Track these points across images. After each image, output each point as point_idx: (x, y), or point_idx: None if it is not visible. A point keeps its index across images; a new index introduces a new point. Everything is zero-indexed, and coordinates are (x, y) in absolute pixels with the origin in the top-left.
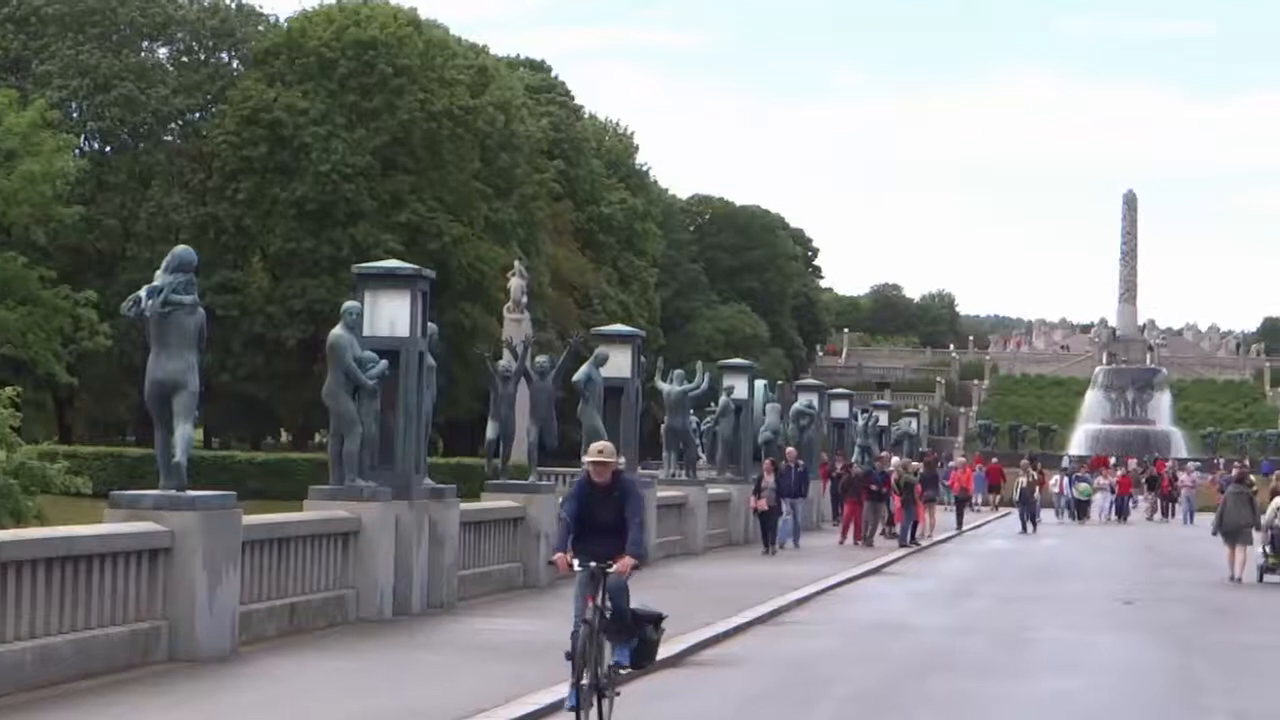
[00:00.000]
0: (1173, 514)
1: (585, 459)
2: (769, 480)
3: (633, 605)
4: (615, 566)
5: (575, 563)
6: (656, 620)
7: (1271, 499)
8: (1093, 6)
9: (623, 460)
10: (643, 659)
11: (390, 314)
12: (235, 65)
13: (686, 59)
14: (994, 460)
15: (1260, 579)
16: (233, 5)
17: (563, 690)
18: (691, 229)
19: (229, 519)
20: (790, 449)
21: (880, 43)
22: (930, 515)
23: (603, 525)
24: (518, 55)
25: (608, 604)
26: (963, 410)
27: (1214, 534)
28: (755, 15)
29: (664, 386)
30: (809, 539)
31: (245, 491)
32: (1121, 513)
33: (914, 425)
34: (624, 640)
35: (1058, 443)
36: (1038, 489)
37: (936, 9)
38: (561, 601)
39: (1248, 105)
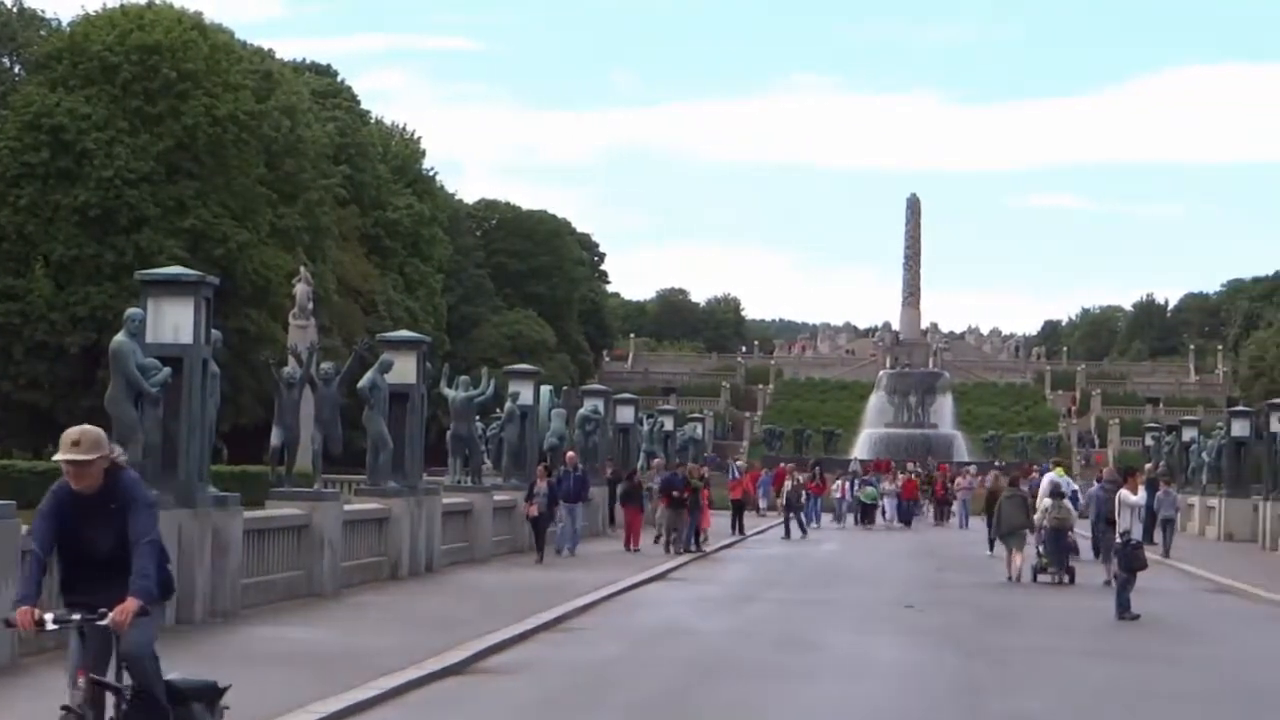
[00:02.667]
0: (948, 518)
1: (58, 456)
2: (541, 486)
3: (172, 676)
4: (110, 617)
5: (49, 617)
6: (211, 695)
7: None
8: (868, 14)
9: (118, 452)
10: None
11: (174, 321)
12: (16, 70)
13: (471, 64)
14: (780, 465)
15: (1034, 579)
16: (13, 8)
17: (351, 697)
18: (478, 234)
19: (7, 529)
20: (570, 453)
21: (658, 47)
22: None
23: (100, 555)
24: (303, 60)
25: (125, 679)
26: (748, 415)
27: (992, 536)
28: (534, 20)
29: (449, 393)
30: (595, 545)
31: (26, 501)
32: (905, 517)
33: (699, 430)
34: None
35: (842, 447)
36: (804, 492)
37: (710, 15)
38: (346, 608)
39: (1026, 109)
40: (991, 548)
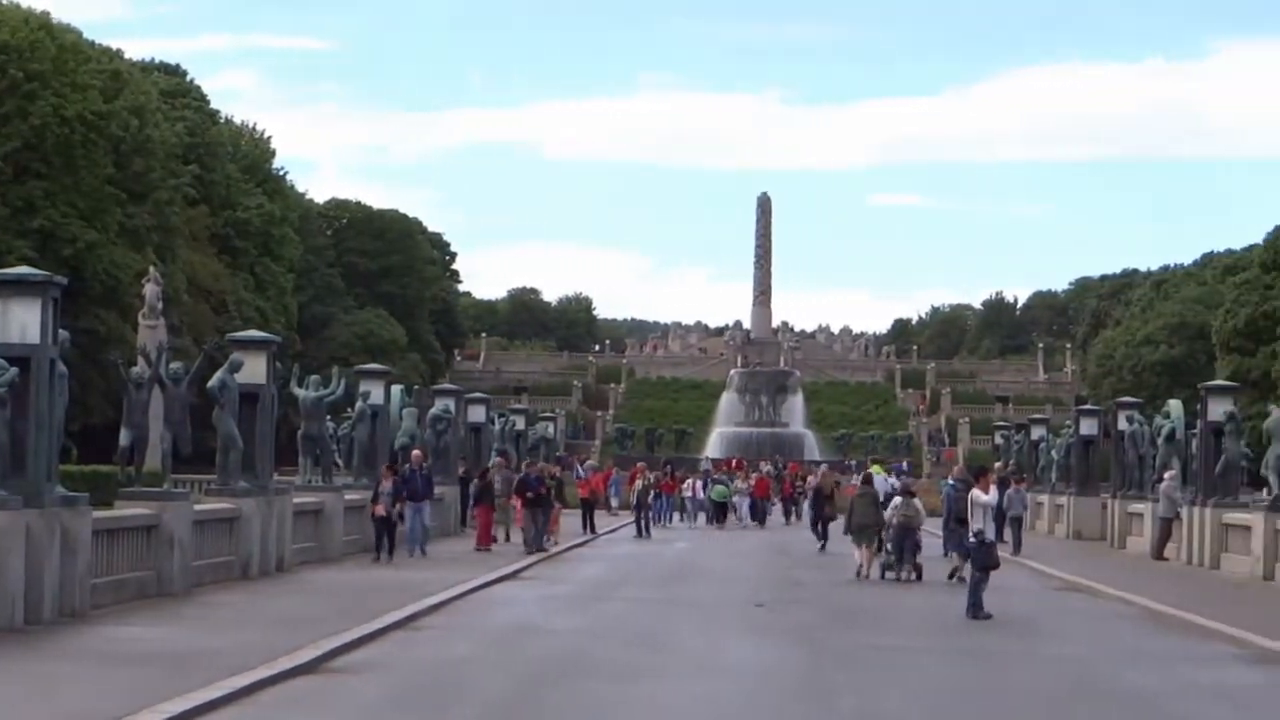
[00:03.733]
0: (799, 517)
1: None
2: (386, 485)
3: None
4: None
5: None
6: None
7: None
8: (715, 14)
9: None
10: None
11: (21, 321)
12: None
13: (322, 64)
14: (638, 464)
15: (883, 576)
16: None
17: (201, 696)
18: (329, 233)
19: None
20: (416, 451)
21: (507, 47)
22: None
23: None
24: (152, 59)
25: None
26: (600, 414)
27: (844, 534)
28: (384, 20)
29: (300, 392)
30: (447, 544)
31: None
32: (758, 516)
33: (551, 429)
34: None
35: (694, 445)
36: (652, 492)
37: (559, 16)
38: (196, 608)
39: (875, 108)
40: (820, 542)
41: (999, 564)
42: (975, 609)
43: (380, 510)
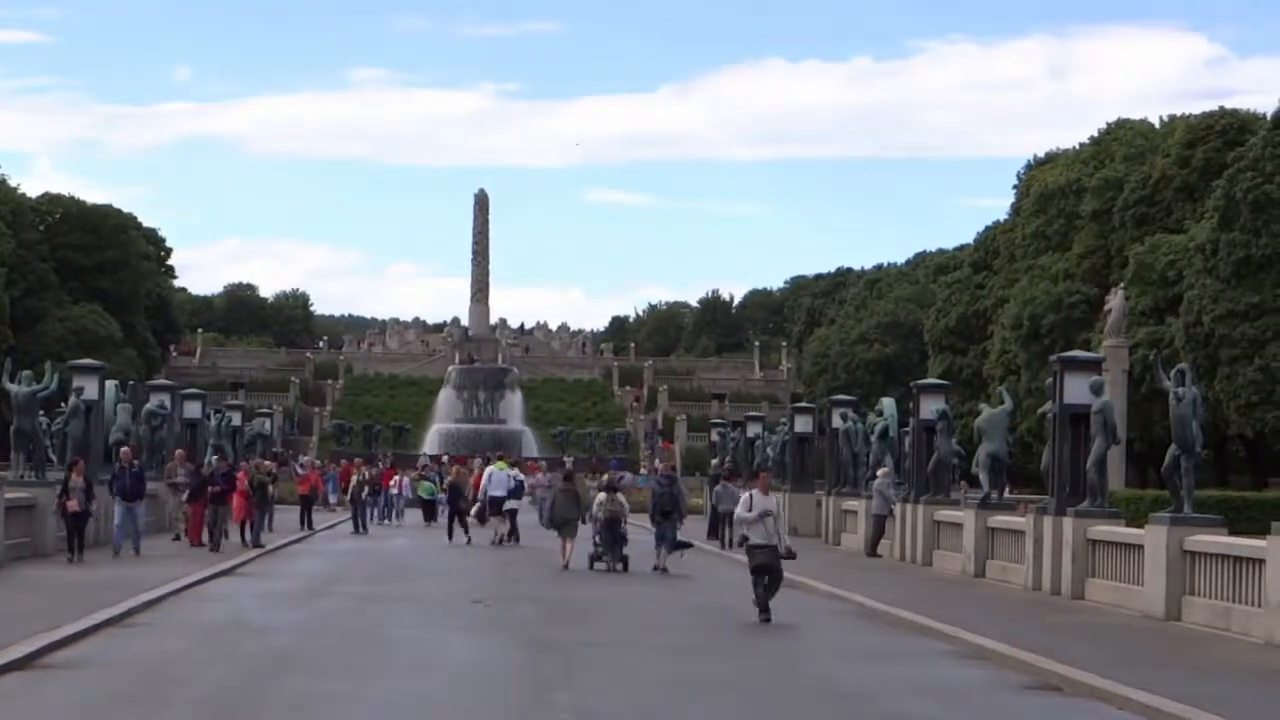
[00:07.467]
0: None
1: None
2: (78, 480)
3: None
4: None
5: None
6: None
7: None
8: (424, 8)
9: None
10: None
11: None
12: None
13: (36, 57)
14: (348, 460)
15: (591, 566)
16: None
17: None
18: (42, 229)
19: None
20: (125, 449)
21: (211, 39)
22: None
23: None
24: None
25: None
26: (317, 410)
27: (546, 527)
28: (97, 14)
29: (12, 387)
30: (161, 541)
31: None
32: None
33: (268, 425)
34: None
35: (412, 442)
36: (368, 488)
37: (269, 10)
38: None
39: (591, 105)
40: (450, 537)
41: (779, 572)
42: (762, 610)
43: (74, 505)
